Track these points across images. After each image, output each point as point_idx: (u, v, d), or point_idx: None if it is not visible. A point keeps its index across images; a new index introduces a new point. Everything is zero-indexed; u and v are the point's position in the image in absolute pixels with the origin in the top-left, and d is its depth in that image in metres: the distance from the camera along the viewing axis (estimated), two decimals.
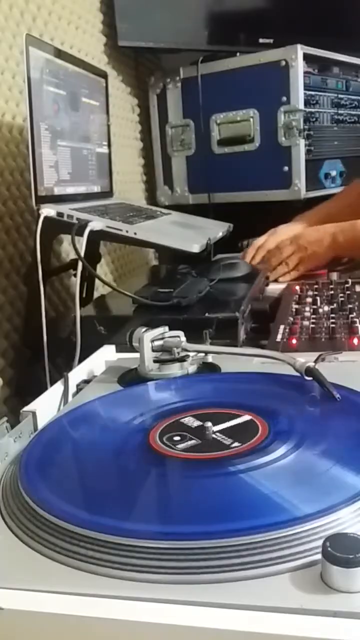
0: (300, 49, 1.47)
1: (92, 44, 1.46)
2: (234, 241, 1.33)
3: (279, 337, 0.79)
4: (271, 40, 1.61)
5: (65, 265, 1.14)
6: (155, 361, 0.63)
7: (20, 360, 1.00)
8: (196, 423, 0.48)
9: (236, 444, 0.44)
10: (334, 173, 1.66)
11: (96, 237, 0.99)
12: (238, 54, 1.60)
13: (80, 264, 0.90)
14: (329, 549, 0.30)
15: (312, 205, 1.49)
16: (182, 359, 0.62)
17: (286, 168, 1.53)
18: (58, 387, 0.62)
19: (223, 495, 0.38)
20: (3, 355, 1.00)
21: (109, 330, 0.83)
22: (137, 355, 0.63)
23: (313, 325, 0.82)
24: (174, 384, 0.59)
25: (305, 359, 0.56)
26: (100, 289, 1.21)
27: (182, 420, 0.49)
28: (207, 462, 0.42)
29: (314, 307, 0.90)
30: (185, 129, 1.67)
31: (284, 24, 1.64)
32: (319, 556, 0.31)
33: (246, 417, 0.48)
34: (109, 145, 1.27)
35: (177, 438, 0.46)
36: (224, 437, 0.45)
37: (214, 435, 0.46)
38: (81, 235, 0.91)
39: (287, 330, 0.81)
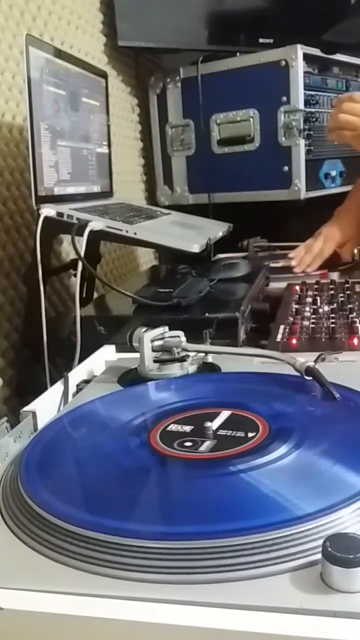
0: (300, 49, 1.47)
1: (92, 44, 1.46)
2: (234, 241, 1.33)
3: (279, 337, 0.79)
4: (271, 40, 1.60)
5: (65, 265, 1.14)
6: (155, 361, 0.63)
7: (20, 360, 1.00)
8: (196, 423, 0.48)
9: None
10: (334, 173, 1.66)
11: (96, 237, 0.99)
12: (238, 54, 1.60)
13: (80, 264, 0.90)
14: (329, 549, 0.30)
15: (312, 205, 1.50)
16: (182, 359, 0.62)
17: (286, 168, 1.53)
18: (58, 387, 0.62)
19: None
20: (3, 355, 1.00)
21: (109, 330, 0.83)
22: (137, 355, 0.63)
23: (313, 325, 0.82)
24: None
25: (305, 359, 0.56)
26: (100, 289, 1.21)
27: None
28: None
29: (314, 307, 0.90)
30: (185, 129, 1.67)
31: (284, 24, 1.64)
32: (319, 556, 0.31)
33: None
34: (109, 145, 1.27)
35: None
36: (223, 436, 0.45)
37: (214, 435, 0.45)
38: (81, 235, 0.91)
39: (287, 330, 0.81)
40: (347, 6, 1.67)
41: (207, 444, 0.44)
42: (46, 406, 0.58)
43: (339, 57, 1.64)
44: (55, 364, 0.86)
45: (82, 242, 0.91)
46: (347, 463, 0.40)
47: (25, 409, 0.55)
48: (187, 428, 0.47)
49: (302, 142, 1.50)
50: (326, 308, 0.90)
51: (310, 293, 0.99)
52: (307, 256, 1.19)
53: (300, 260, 1.19)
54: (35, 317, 0.90)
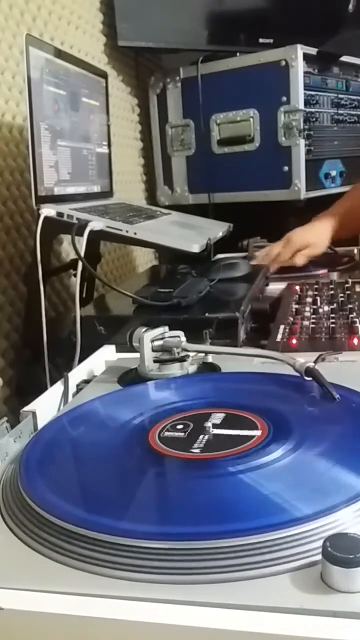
0: (300, 49, 1.47)
1: (92, 44, 1.46)
2: (234, 241, 1.33)
3: (279, 337, 0.79)
4: (271, 40, 1.60)
5: (65, 265, 1.14)
6: (155, 361, 0.63)
7: (20, 360, 1.00)
8: (196, 423, 0.48)
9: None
10: (334, 173, 1.66)
11: (96, 237, 0.99)
12: (238, 54, 1.60)
13: (80, 264, 0.90)
14: (329, 549, 0.30)
15: (312, 205, 1.50)
16: (182, 359, 0.62)
17: (286, 168, 1.53)
18: (58, 387, 0.62)
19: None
20: (3, 355, 1.00)
21: (109, 330, 0.83)
22: (137, 355, 0.63)
23: (313, 325, 0.82)
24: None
25: (305, 359, 0.56)
26: (100, 289, 1.21)
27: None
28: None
29: (314, 307, 0.90)
30: (185, 129, 1.67)
31: (284, 24, 1.64)
32: (319, 557, 0.31)
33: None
34: (109, 145, 1.27)
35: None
36: (223, 437, 0.45)
37: (213, 436, 0.45)
38: (81, 235, 0.91)
39: (287, 330, 0.81)
40: (345, 13, 1.67)
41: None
42: (46, 406, 0.58)
43: None
44: (55, 364, 0.86)
45: (82, 242, 0.91)
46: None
47: (25, 409, 0.55)
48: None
49: (302, 142, 1.50)
50: (326, 308, 0.90)
51: (310, 293, 0.99)
52: (265, 259, 1.21)
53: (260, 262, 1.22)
54: (35, 317, 0.90)
